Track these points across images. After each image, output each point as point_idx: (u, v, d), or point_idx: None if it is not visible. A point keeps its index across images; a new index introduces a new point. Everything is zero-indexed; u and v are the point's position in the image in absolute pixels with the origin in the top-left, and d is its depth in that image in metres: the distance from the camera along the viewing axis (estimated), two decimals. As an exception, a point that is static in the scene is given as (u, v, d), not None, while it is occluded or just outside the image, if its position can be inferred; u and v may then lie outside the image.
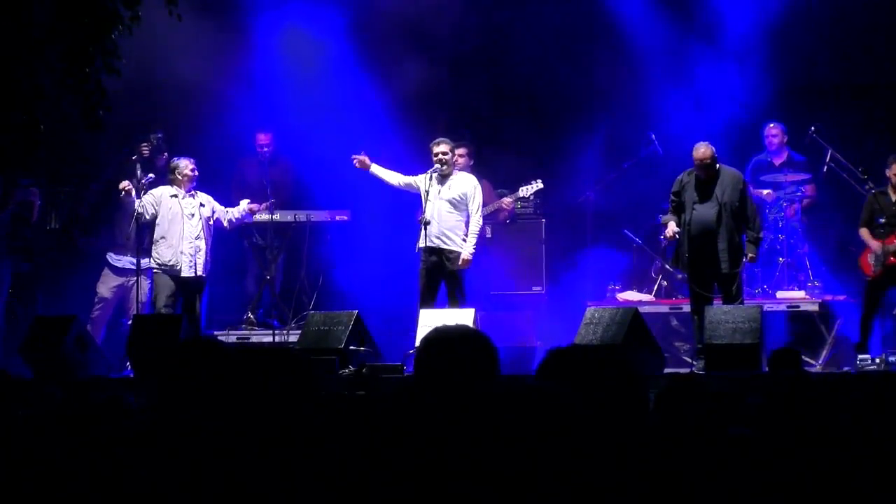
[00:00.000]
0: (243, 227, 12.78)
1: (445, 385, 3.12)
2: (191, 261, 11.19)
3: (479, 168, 12.47)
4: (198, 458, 2.93)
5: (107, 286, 12.33)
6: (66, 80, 8.66)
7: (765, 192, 12.28)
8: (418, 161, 11.80)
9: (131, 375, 10.52)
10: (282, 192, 12.91)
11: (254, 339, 12.31)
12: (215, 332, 12.11)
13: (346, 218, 12.69)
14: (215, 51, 12.49)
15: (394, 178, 11.23)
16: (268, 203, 12.41)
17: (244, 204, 11.67)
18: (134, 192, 11.25)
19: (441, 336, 3.25)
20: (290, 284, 12.76)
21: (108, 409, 3.11)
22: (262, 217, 12.54)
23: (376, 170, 11.26)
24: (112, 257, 12.34)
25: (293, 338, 11.78)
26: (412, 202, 11.78)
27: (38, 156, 11.65)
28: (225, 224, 11.59)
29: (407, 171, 11.50)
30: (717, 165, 10.61)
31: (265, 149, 13.00)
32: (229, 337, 12.13)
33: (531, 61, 13.27)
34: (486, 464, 2.80)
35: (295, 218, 12.65)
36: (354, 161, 11.24)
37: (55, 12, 8.67)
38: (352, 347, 10.29)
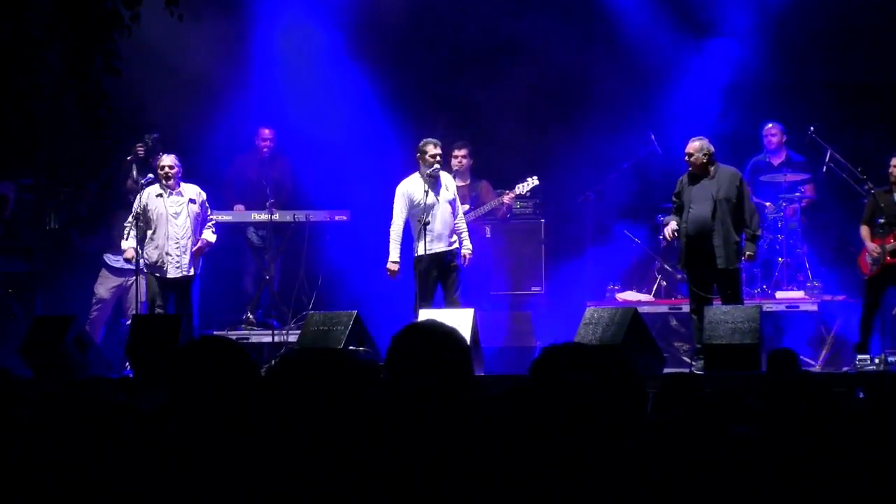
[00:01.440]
0: (242, 227, 12.78)
1: (414, 379, 3.10)
2: (177, 262, 11.11)
3: (477, 168, 12.49)
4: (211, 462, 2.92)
5: (105, 287, 12.32)
6: (66, 80, 8.67)
7: (766, 203, 12.25)
8: (417, 161, 11.82)
9: (131, 375, 10.51)
10: (281, 192, 12.91)
11: (253, 339, 12.30)
12: (214, 332, 12.09)
13: (345, 218, 12.68)
14: (215, 50, 12.49)
15: (400, 226, 10.94)
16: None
17: (203, 240, 11.36)
18: (132, 237, 11.14)
19: (411, 331, 3.24)
20: (289, 284, 12.75)
21: (114, 410, 3.11)
22: (262, 217, 12.54)
23: (396, 247, 10.89)
24: (110, 258, 12.32)
25: (292, 338, 11.77)
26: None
27: (38, 156, 11.67)
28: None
29: (404, 171, 11.53)
30: (714, 164, 10.59)
31: (267, 142, 12.98)
32: (228, 337, 12.09)
33: (531, 60, 13.26)
34: (464, 462, 2.78)
35: (294, 218, 12.64)
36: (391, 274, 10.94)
37: (55, 12, 8.68)
38: (351, 348, 10.28)
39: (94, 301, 12.26)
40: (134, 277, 11.50)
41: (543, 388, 2.83)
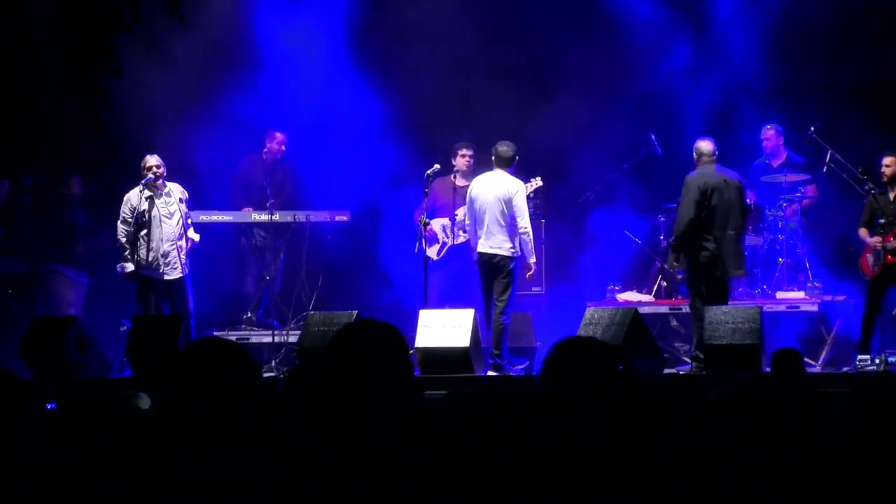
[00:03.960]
0: (243, 227, 12.77)
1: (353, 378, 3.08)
2: (175, 262, 11.05)
3: (479, 169, 12.48)
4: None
5: (69, 293, 12.28)
6: (66, 80, 8.67)
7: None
8: (417, 161, 11.83)
9: (130, 376, 10.49)
10: (282, 193, 12.90)
11: (253, 339, 12.30)
12: (214, 333, 12.09)
13: (345, 218, 12.68)
14: (218, 50, 12.50)
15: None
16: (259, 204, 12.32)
17: (190, 240, 11.30)
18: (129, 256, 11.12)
19: (356, 330, 3.21)
20: (289, 285, 12.75)
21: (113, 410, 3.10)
22: (262, 217, 12.54)
23: None
24: (65, 270, 12.30)
25: (293, 338, 11.77)
26: (412, 202, 11.79)
27: (38, 156, 11.66)
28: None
29: (403, 172, 11.50)
30: (700, 165, 10.72)
31: (282, 147, 12.94)
32: (228, 337, 12.09)
33: (530, 61, 13.26)
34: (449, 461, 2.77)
35: (294, 218, 12.64)
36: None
37: (56, 12, 8.67)
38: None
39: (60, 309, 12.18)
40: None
41: (558, 384, 2.82)
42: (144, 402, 4.40)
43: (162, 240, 11.00)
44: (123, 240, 11.08)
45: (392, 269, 12.40)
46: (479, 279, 10.77)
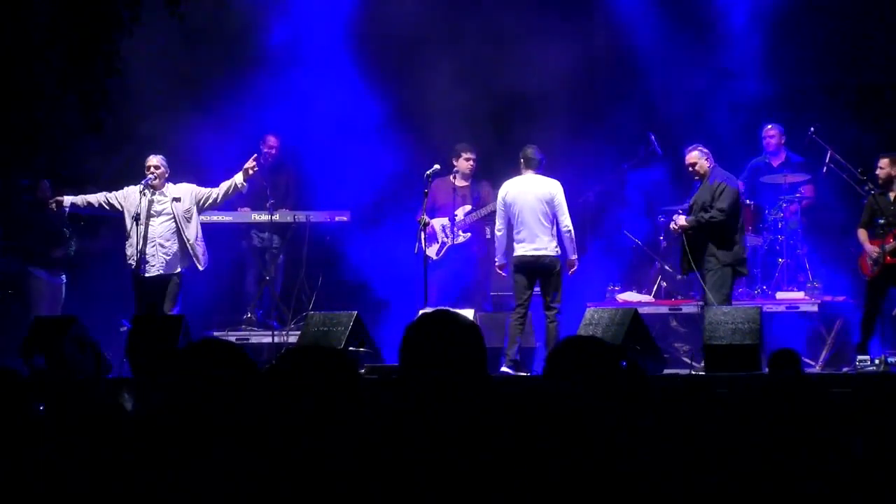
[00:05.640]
0: (243, 228, 12.76)
1: (431, 370, 3.07)
2: (153, 261, 11.03)
3: (479, 169, 12.50)
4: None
5: (46, 299, 12.27)
6: (66, 81, 8.67)
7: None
8: (417, 161, 11.82)
9: (130, 376, 10.49)
10: (283, 196, 12.89)
11: (253, 339, 12.29)
12: (215, 333, 12.09)
13: (345, 218, 12.68)
14: (218, 52, 12.50)
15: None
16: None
17: (239, 177, 11.25)
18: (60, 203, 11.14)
19: (427, 320, 3.20)
20: (289, 285, 12.75)
21: (113, 410, 3.10)
22: (262, 218, 12.53)
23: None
24: (37, 271, 12.29)
25: (293, 338, 11.77)
26: (415, 202, 11.77)
27: (39, 157, 11.67)
28: (217, 198, 11.25)
29: (404, 170, 11.52)
30: (701, 171, 10.80)
31: (273, 150, 12.92)
32: (228, 337, 12.09)
33: (529, 63, 13.26)
34: (475, 458, 2.77)
35: (294, 218, 12.64)
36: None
37: (56, 13, 8.68)
38: (351, 348, 10.29)
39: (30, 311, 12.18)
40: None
41: (546, 388, 2.82)
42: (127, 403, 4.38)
43: (144, 237, 10.96)
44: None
45: (392, 269, 12.40)
46: (515, 282, 10.65)
